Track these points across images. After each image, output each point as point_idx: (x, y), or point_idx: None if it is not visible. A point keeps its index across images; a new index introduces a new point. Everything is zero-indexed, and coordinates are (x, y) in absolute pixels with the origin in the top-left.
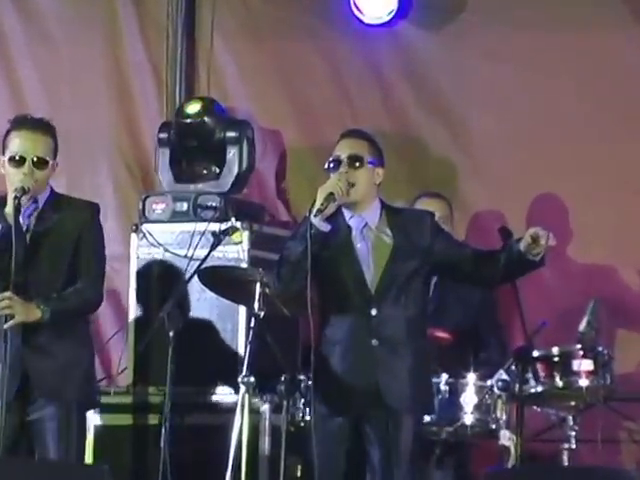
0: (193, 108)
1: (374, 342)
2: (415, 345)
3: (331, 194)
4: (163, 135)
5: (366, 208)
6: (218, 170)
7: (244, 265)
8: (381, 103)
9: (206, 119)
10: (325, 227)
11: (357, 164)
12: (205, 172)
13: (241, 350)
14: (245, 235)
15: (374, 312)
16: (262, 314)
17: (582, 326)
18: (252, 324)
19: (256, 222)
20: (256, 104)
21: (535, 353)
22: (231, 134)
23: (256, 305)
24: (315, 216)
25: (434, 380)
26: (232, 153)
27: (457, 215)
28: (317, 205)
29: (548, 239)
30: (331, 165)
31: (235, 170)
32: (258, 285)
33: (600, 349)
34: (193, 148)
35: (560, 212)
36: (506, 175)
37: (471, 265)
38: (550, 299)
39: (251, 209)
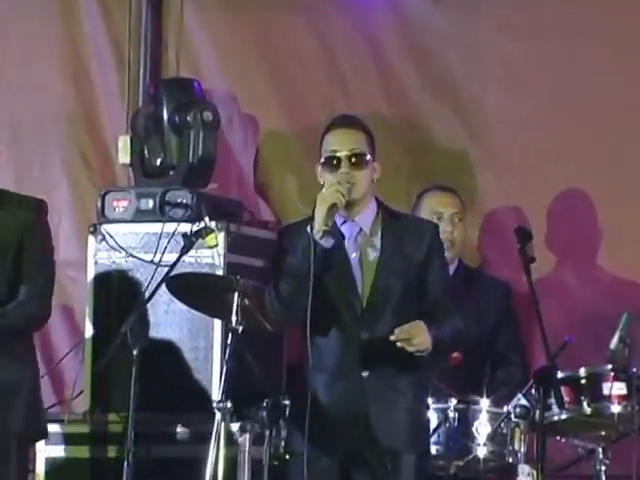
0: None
1: (364, 374)
2: (412, 376)
3: (334, 206)
4: (134, 123)
5: (361, 211)
6: (171, 160)
7: (220, 272)
8: (380, 85)
9: (164, 98)
10: (329, 242)
11: (359, 163)
12: (161, 161)
13: (216, 371)
14: (221, 237)
15: (365, 336)
16: (240, 329)
17: (613, 343)
18: (229, 340)
19: (234, 222)
20: (234, 86)
21: (559, 375)
22: (185, 117)
23: (234, 318)
24: (322, 237)
25: (442, 405)
26: (186, 140)
27: (470, 214)
28: (320, 224)
29: (409, 344)
30: (327, 163)
31: (188, 160)
32: (236, 295)
33: (634, 370)
34: (150, 130)
35: (587, 211)
36: (526, 167)
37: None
38: (576, 312)
39: (228, 207)
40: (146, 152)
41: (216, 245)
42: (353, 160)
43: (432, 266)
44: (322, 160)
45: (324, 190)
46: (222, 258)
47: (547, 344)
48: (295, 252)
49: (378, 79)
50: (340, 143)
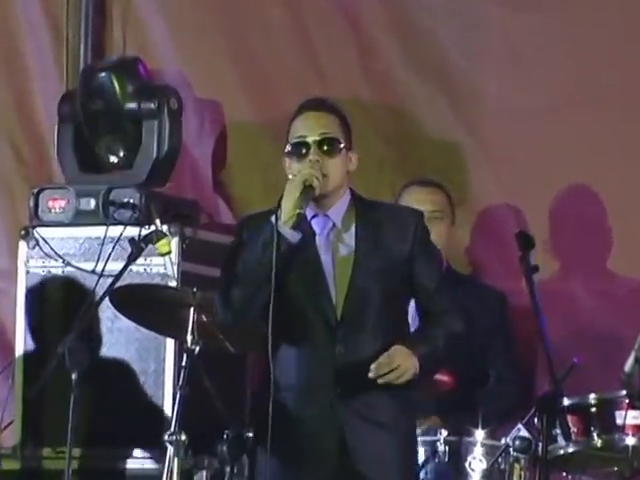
0: (103, 68)
1: (339, 399)
2: (397, 397)
3: (309, 189)
4: (65, 107)
5: (334, 203)
6: (128, 155)
7: (173, 283)
8: (360, 66)
9: (116, 84)
10: (295, 237)
11: (331, 149)
12: (116, 158)
13: (168, 398)
14: (174, 243)
15: (340, 350)
16: (197, 349)
17: (628, 366)
18: (184, 363)
19: (189, 225)
20: (188, 67)
21: (565, 402)
22: (147, 105)
23: (189, 337)
24: (294, 227)
25: (430, 438)
26: (149, 131)
27: (461, 213)
28: (289, 210)
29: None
30: (294, 150)
31: (152, 155)
32: (192, 310)
33: None
34: (101, 124)
35: (597, 212)
36: (528, 161)
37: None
38: (585, 329)
39: (182, 208)
40: (97, 147)
41: (169, 252)
42: (324, 147)
43: (419, 259)
44: (288, 148)
45: (291, 177)
46: (176, 267)
47: (552, 366)
48: (254, 247)
49: (358, 59)
50: (309, 128)
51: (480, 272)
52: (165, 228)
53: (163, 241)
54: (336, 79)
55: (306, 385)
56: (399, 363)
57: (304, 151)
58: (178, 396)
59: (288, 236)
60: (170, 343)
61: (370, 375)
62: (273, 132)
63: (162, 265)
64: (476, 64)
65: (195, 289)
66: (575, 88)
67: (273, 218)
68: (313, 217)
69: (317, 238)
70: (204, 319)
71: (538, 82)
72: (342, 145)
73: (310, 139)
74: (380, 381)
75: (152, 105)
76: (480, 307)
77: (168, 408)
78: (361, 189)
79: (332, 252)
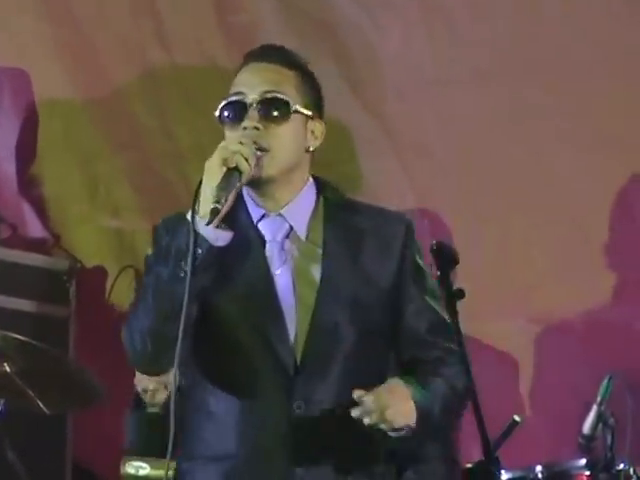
0: None
1: (299, 471)
2: (376, 470)
3: (234, 171)
4: None
5: (290, 197)
6: None
7: None
8: (217, 23)
9: None
10: (222, 238)
11: (276, 113)
12: None
13: None
14: None
15: (298, 407)
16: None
17: (588, 425)
18: None
19: None
20: None
21: (503, 476)
22: None
23: None
24: (208, 223)
25: None
26: None
27: None
28: (206, 202)
29: (381, 419)
30: (226, 113)
31: None
32: None
33: (622, 466)
34: None
35: (544, 221)
36: (444, 148)
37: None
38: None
39: None
40: None
41: None
42: (267, 106)
43: (408, 287)
44: (217, 112)
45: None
46: None
47: (483, 426)
48: (167, 257)
49: (215, 14)
50: (249, 83)
51: None
52: None
53: None
54: (185, 42)
55: (252, 454)
56: (394, 403)
57: (237, 114)
58: None
59: (210, 237)
60: None
61: (354, 414)
62: (98, 112)
63: None
64: (376, 17)
65: None
66: (507, 51)
67: (189, 215)
68: (261, 219)
69: (267, 247)
70: (7, 369)
71: (458, 43)
72: (295, 109)
73: (249, 97)
74: (367, 421)
75: None
76: None
77: None
78: None
79: (291, 268)
